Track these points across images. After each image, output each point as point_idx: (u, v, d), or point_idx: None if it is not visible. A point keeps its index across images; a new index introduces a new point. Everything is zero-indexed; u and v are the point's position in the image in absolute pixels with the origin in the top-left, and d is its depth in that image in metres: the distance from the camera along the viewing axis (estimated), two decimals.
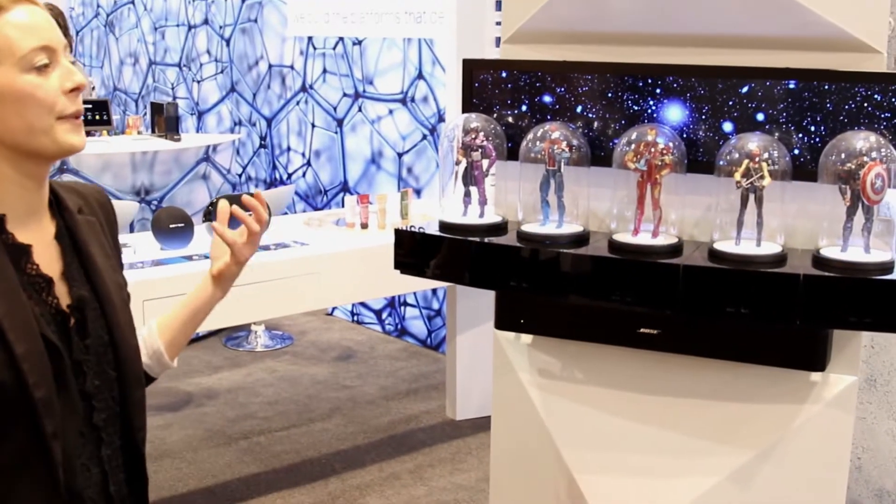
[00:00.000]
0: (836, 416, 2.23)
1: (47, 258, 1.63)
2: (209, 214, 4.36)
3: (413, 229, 2.39)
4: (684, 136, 2.23)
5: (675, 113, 2.24)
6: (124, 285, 1.80)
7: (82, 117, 1.64)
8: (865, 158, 2.02)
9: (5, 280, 1.53)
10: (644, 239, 2.21)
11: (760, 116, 2.17)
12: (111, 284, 1.72)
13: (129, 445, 1.70)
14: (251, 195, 1.94)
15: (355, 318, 6.88)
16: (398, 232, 2.41)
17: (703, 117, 2.22)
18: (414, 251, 2.40)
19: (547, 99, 2.37)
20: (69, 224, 1.69)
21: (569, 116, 2.35)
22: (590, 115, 2.34)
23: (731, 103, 2.19)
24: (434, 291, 6.13)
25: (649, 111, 2.26)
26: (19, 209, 1.59)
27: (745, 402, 2.30)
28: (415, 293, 6.27)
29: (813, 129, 2.13)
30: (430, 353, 6.22)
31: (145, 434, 1.75)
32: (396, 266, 2.43)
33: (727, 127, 2.20)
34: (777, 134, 2.15)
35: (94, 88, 7.45)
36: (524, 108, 2.40)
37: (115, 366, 1.68)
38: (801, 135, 2.14)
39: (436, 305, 6.21)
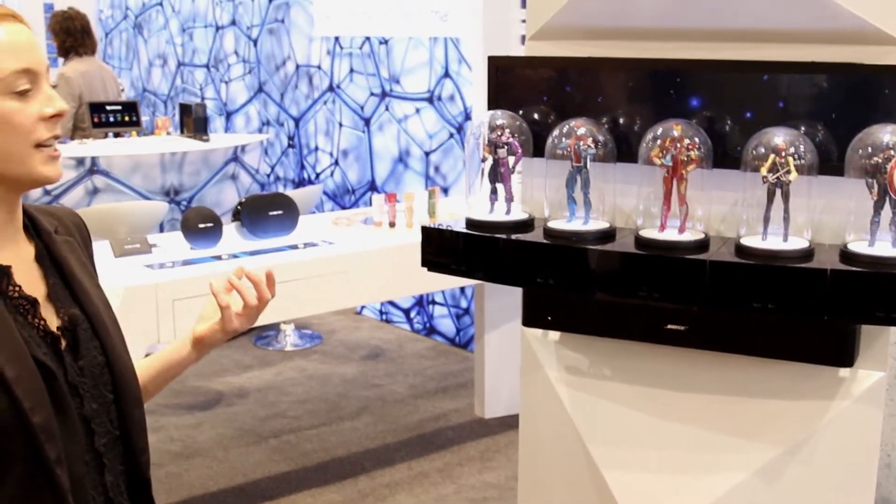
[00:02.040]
0: (865, 412, 2.22)
1: (29, 280, 1.56)
2: (237, 214, 4.39)
3: (440, 227, 2.40)
4: (710, 131, 2.22)
5: (700, 108, 2.24)
6: (109, 304, 1.72)
7: (58, 144, 1.57)
8: (892, 152, 2.00)
9: None
10: (670, 235, 2.21)
11: (786, 111, 2.16)
12: (99, 303, 1.66)
13: (132, 470, 1.64)
14: (266, 274, 1.87)
15: (384, 316, 6.90)
16: (425, 230, 2.41)
17: (729, 112, 2.21)
18: (441, 249, 2.41)
19: (572, 95, 2.37)
20: (48, 245, 1.63)
21: (594, 112, 2.35)
22: (615, 111, 2.34)
23: (756, 98, 2.18)
24: (462, 290, 6.14)
25: (675, 107, 2.26)
26: None
27: (772, 398, 2.29)
28: (443, 291, 6.28)
29: (839, 122, 2.12)
30: (458, 352, 6.22)
31: (149, 456, 1.69)
32: (424, 264, 2.43)
33: (752, 122, 2.19)
34: (803, 128, 2.14)
35: (123, 90, 7.50)
36: (550, 104, 2.41)
37: (112, 387, 1.61)
38: (827, 129, 2.13)
39: (464, 304, 6.22)
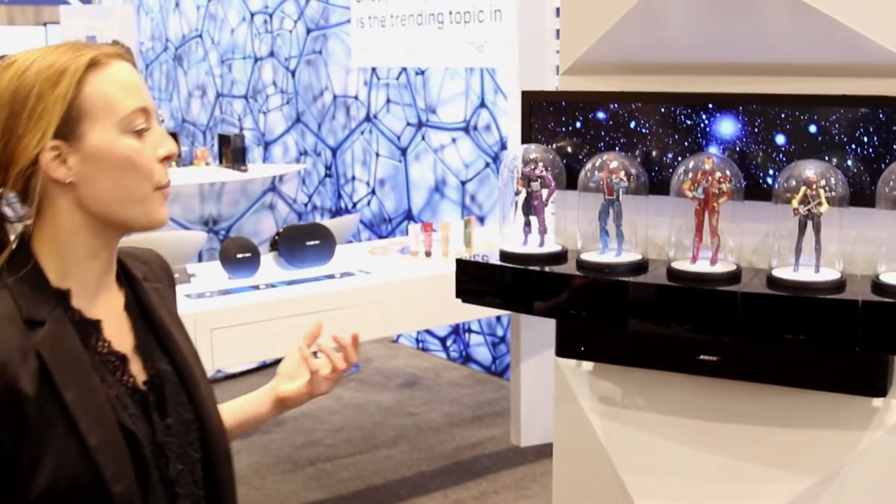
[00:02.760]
0: None
1: (118, 332, 1.50)
2: (275, 244, 4.44)
3: (475, 259, 2.43)
4: (741, 163, 2.24)
5: (732, 141, 2.26)
6: (198, 356, 1.65)
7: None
8: None
9: (75, 362, 1.40)
10: (702, 266, 2.23)
11: (817, 143, 2.18)
12: (189, 355, 1.59)
13: None
14: (353, 337, 1.84)
15: (420, 345, 6.93)
16: (460, 262, 2.45)
17: (760, 145, 2.23)
18: (475, 280, 2.44)
19: (605, 129, 2.40)
20: (137, 293, 1.57)
21: (627, 145, 2.38)
22: (648, 144, 2.37)
23: (787, 130, 2.20)
24: (498, 318, 6.16)
25: (706, 139, 2.28)
26: (90, 281, 1.47)
27: (805, 427, 2.30)
28: (479, 320, 6.30)
29: (870, 154, 2.13)
30: (494, 380, 6.24)
31: None
32: (458, 295, 2.47)
33: (784, 154, 2.21)
34: (834, 160, 2.16)
35: (163, 121, 7.59)
36: (583, 138, 2.44)
37: (199, 445, 1.54)
38: (858, 161, 2.15)
39: (500, 332, 6.24)
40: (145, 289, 1.58)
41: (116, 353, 1.47)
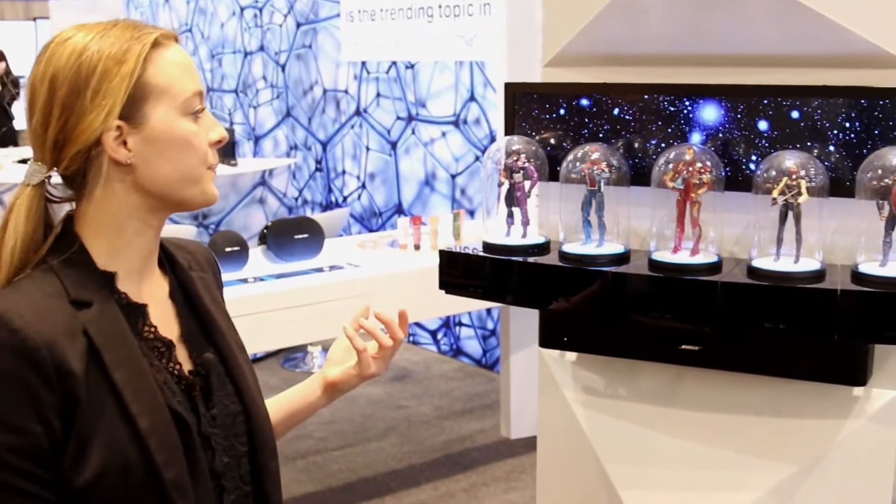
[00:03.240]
0: (880, 431, 2.23)
1: (164, 319, 1.47)
2: (263, 238, 4.45)
3: (457, 250, 2.44)
4: (723, 154, 2.25)
5: (714, 131, 2.27)
6: (244, 348, 1.60)
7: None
8: None
9: (124, 343, 1.36)
10: (683, 257, 2.24)
11: (798, 134, 2.19)
12: (234, 345, 1.55)
13: None
14: (400, 314, 1.79)
15: (411, 338, 6.94)
16: (443, 253, 2.46)
17: (742, 135, 2.24)
18: (458, 271, 2.45)
19: (588, 120, 2.41)
20: (182, 281, 1.53)
21: (610, 136, 2.39)
22: (630, 135, 2.38)
23: (769, 121, 2.21)
24: (489, 311, 6.17)
25: (688, 130, 2.30)
26: (136, 264, 1.44)
27: (787, 417, 2.31)
28: (469, 313, 6.31)
29: (851, 145, 2.15)
30: (485, 373, 6.26)
31: None
32: (442, 286, 2.48)
33: (765, 145, 2.22)
34: (815, 151, 2.17)
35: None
36: (566, 129, 2.45)
37: (246, 438, 1.50)
38: (839, 151, 2.16)
39: (490, 325, 6.25)
40: (190, 277, 1.55)
41: (163, 339, 1.44)
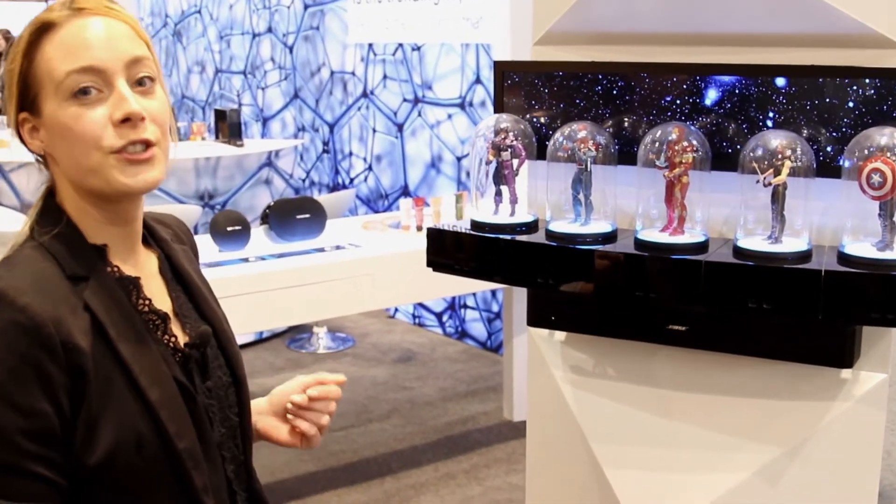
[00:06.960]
0: (867, 414, 2.23)
1: (156, 292, 1.46)
2: (266, 218, 4.46)
3: (444, 227, 2.44)
4: (713, 133, 2.24)
5: (703, 111, 2.26)
6: (228, 320, 1.59)
7: (142, 149, 1.35)
8: (889, 155, 2.02)
9: (126, 318, 1.36)
10: (670, 237, 2.23)
11: (787, 114, 2.18)
12: (222, 317, 1.56)
13: (253, 496, 1.56)
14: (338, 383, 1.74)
15: (416, 320, 6.95)
16: (430, 231, 2.46)
17: (731, 115, 2.23)
18: (445, 249, 2.45)
19: (577, 98, 2.40)
20: (168, 255, 1.52)
21: (599, 115, 2.38)
22: (619, 114, 2.37)
23: (758, 101, 2.20)
24: (494, 294, 6.17)
25: (677, 110, 2.29)
26: (117, 244, 1.42)
27: (774, 398, 2.31)
28: (474, 295, 6.31)
29: (839, 126, 2.13)
30: (489, 355, 6.26)
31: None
32: (429, 264, 2.48)
33: (754, 124, 2.21)
34: (804, 131, 2.16)
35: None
36: (555, 108, 2.44)
37: (238, 409, 1.51)
38: (828, 132, 2.15)
39: (495, 308, 6.25)
40: (174, 250, 1.54)
41: (157, 312, 1.43)
